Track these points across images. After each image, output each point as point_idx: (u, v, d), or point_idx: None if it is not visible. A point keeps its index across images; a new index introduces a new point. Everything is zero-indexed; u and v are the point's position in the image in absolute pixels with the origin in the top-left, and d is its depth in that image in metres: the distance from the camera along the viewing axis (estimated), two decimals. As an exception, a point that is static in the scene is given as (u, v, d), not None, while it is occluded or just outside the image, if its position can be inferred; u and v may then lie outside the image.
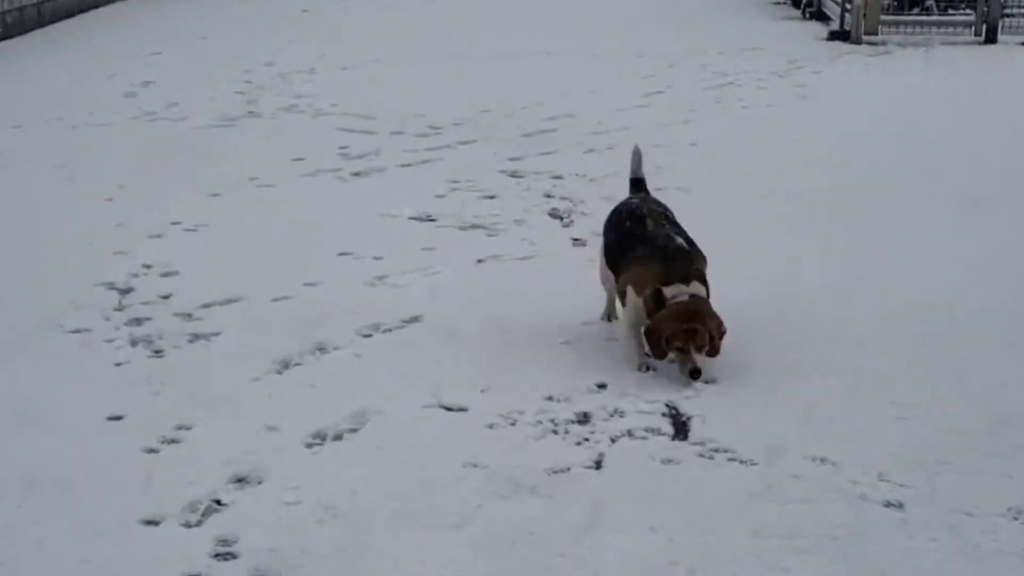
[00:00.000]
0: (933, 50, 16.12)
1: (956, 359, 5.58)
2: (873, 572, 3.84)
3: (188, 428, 4.92)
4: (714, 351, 5.20)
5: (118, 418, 5.03)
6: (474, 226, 8.06)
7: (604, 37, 16.42)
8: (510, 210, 8.42)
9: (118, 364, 5.65)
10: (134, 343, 5.90)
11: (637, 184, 6.17)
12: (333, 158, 10.06)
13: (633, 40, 16.14)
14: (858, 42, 17.57)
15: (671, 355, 5.24)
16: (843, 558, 3.92)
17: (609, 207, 8.41)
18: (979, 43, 17.22)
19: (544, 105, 12.36)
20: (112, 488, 4.40)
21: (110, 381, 5.45)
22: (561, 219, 8.24)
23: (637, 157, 6.11)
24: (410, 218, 8.25)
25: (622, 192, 8.77)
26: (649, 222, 5.65)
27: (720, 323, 5.24)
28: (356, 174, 9.57)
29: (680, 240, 5.52)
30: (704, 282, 5.39)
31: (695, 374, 5.13)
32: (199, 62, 15.47)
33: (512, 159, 10.00)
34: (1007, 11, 16.93)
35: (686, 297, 5.28)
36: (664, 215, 5.77)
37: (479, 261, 7.28)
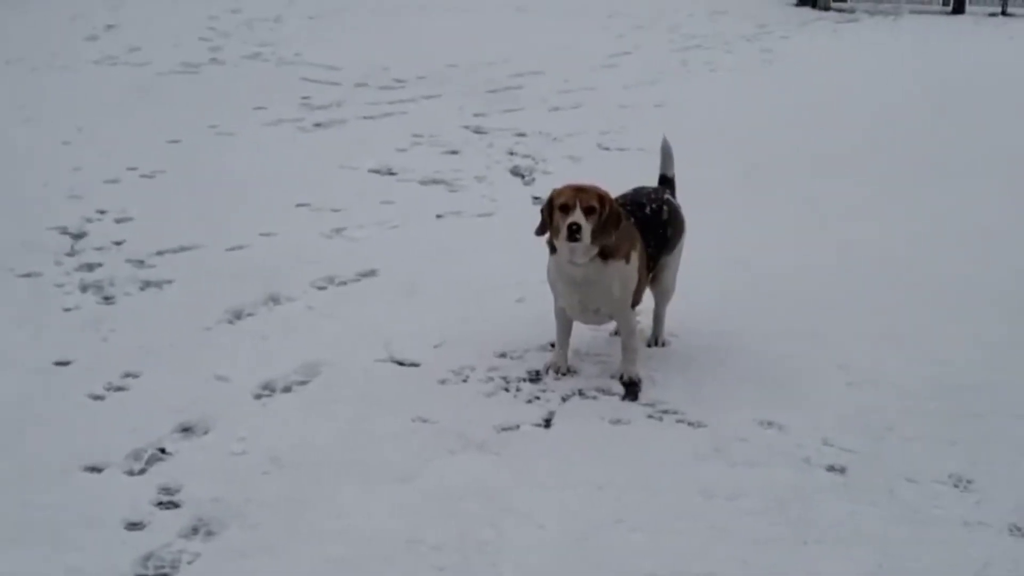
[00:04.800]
0: (901, 18, 16.19)
1: (909, 324, 5.62)
2: (815, 534, 3.86)
3: (135, 376, 4.88)
4: (604, 229, 4.71)
5: (65, 363, 4.98)
6: (435, 181, 8.03)
7: (575, -5, 16.40)
8: (472, 166, 8.39)
9: (67, 309, 5.60)
10: (84, 288, 5.84)
11: (664, 181, 5.50)
12: (295, 108, 10.00)
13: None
14: (827, 8, 17.63)
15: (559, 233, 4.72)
16: (785, 520, 3.94)
17: (572, 166, 8.46)
18: (947, 13, 17.31)
19: (511, 61, 12.31)
20: (56, 433, 4.36)
21: (58, 326, 5.39)
22: (522, 177, 8.21)
23: (665, 152, 5.51)
24: (370, 171, 8.20)
25: (585, 152, 8.84)
26: None
27: (630, 231, 4.84)
28: (318, 125, 9.52)
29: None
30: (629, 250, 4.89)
31: (574, 227, 4.62)
32: (163, 6, 15.29)
33: (476, 115, 9.96)
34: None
35: None
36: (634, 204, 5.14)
37: (438, 216, 7.25)
